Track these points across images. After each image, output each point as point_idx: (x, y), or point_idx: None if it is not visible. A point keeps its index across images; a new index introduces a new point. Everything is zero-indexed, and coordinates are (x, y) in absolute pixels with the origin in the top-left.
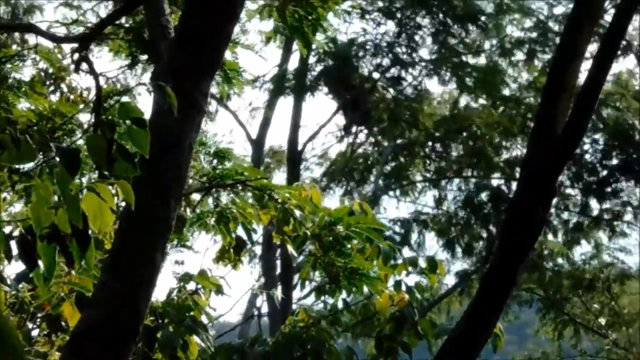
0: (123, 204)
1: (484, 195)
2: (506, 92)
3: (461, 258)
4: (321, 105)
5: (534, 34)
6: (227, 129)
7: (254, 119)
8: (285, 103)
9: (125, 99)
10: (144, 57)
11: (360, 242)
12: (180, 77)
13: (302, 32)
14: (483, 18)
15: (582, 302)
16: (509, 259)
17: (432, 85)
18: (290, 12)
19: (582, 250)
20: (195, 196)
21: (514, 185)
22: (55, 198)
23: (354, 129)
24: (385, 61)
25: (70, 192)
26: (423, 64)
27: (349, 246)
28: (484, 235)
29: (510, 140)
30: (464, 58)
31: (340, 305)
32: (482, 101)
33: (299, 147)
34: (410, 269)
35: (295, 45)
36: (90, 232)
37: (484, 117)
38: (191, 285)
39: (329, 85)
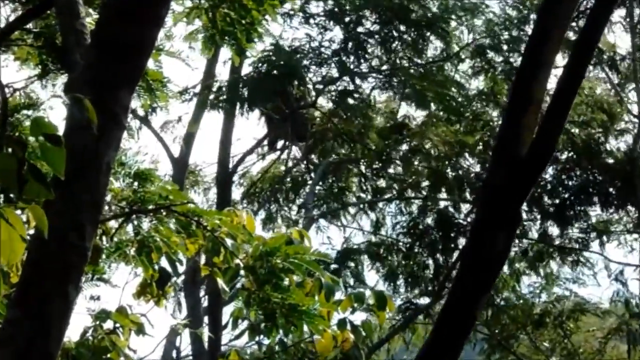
0: (32, 231)
1: (429, 220)
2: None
3: (404, 291)
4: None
5: (487, 40)
6: (151, 146)
7: (175, 138)
8: (216, 117)
9: (35, 113)
10: (56, 66)
11: (299, 275)
12: (98, 89)
13: (234, 37)
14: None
15: (531, 341)
16: (468, 293)
17: (379, 96)
18: (221, 15)
19: (530, 281)
20: (114, 223)
21: (464, 207)
22: None
23: (281, 144)
24: (332, 71)
25: None
26: (373, 74)
27: (286, 280)
28: (430, 264)
29: (461, 155)
30: (412, 69)
31: (277, 346)
32: (425, 113)
33: (230, 166)
34: (356, 305)
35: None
36: None
37: (435, 131)
38: (108, 324)
39: (260, 96)
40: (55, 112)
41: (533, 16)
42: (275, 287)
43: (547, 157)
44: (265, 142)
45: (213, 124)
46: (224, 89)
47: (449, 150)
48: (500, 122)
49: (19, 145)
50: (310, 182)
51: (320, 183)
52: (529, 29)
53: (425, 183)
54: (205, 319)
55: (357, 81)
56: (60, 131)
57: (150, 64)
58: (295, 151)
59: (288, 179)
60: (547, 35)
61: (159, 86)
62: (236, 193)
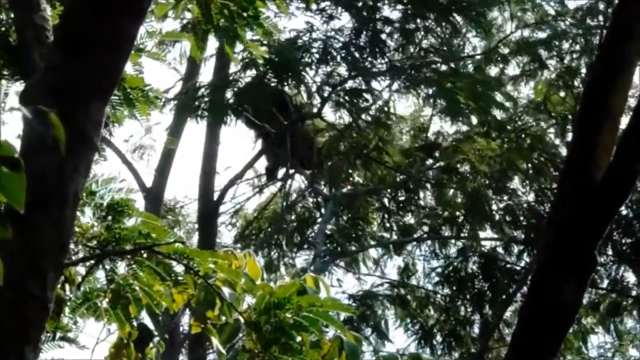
0: None
1: (473, 264)
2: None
3: (442, 353)
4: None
5: (543, 34)
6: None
7: (146, 159)
8: (198, 135)
9: None
10: (10, 69)
11: (315, 333)
12: (62, 98)
13: (234, 34)
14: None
15: None
16: (531, 357)
17: (402, 106)
18: (217, 6)
19: (599, 340)
20: (81, 268)
21: (517, 248)
22: None
23: (282, 172)
24: (339, 69)
25: None
26: (392, 73)
27: (299, 339)
28: (476, 320)
29: (508, 179)
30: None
31: None
32: (464, 127)
33: (215, 197)
34: None
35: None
36: None
37: (476, 150)
38: None
39: (251, 102)
40: (8, 129)
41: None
42: (285, 348)
43: (629, 183)
44: (261, 170)
45: (194, 145)
46: (205, 93)
47: (491, 170)
48: (555, 140)
49: None
50: (319, 219)
51: (333, 219)
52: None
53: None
54: None
55: (373, 85)
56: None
57: (129, 67)
58: (300, 181)
59: (292, 217)
60: (629, 30)
61: (138, 95)
62: (227, 236)
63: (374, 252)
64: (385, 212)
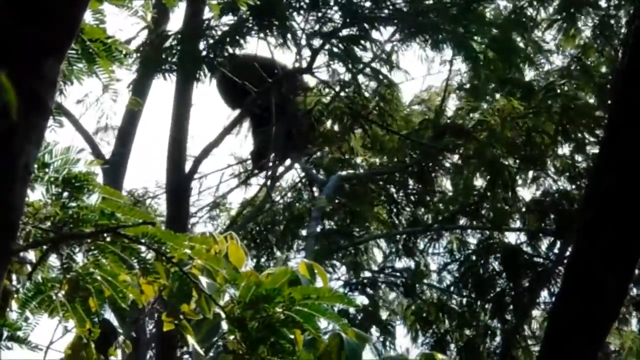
0: None
1: (494, 261)
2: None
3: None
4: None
5: None
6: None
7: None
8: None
9: None
10: None
11: (310, 331)
12: (11, 56)
13: None
14: None
15: None
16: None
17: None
18: None
19: None
20: (32, 254)
21: (545, 241)
22: None
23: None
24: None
25: None
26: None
27: (291, 337)
28: (497, 326)
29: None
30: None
31: None
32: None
33: (186, 172)
34: None
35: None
36: None
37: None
38: None
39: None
40: None
41: None
42: (275, 349)
43: None
44: (239, 152)
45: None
46: (174, 43)
47: (514, 134)
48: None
49: None
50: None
51: (329, 208)
52: None
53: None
54: None
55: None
56: None
57: (88, 16)
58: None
59: (283, 213)
60: None
61: (100, 49)
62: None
63: (378, 253)
64: (391, 202)
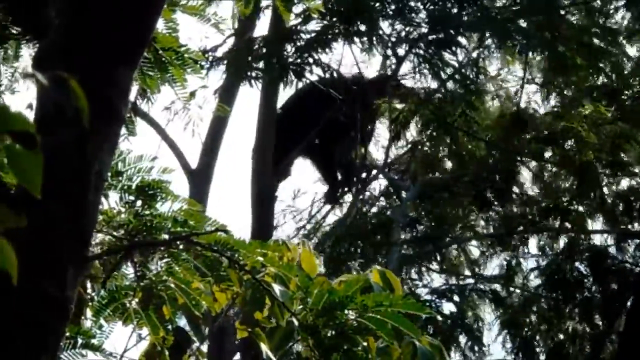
0: None
1: (581, 264)
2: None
3: None
4: None
5: None
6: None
7: (192, 134)
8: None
9: None
10: (20, 29)
11: (383, 338)
12: (83, 63)
13: None
14: None
15: None
16: None
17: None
18: None
19: None
20: (106, 262)
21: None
22: None
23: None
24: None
25: None
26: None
27: (364, 344)
28: (585, 330)
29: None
30: None
31: None
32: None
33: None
34: None
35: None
36: None
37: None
38: None
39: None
40: (18, 98)
41: None
42: (348, 356)
43: None
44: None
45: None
46: (260, 48)
47: (605, 143)
48: None
49: None
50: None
51: (413, 214)
52: None
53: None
54: None
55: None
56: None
57: (160, 25)
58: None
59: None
60: None
61: (172, 57)
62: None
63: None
64: (479, 204)
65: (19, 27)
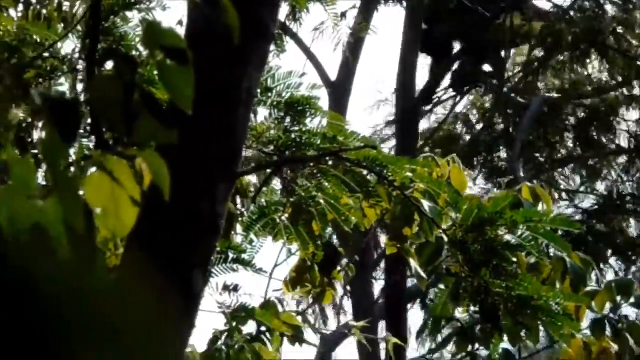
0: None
1: None
2: None
3: None
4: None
5: None
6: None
7: (336, 47)
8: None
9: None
10: None
11: (534, 254)
12: None
13: None
14: None
15: None
16: None
17: None
18: None
19: None
20: (255, 178)
21: None
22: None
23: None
24: None
25: (66, 172)
26: None
27: (514, 261)
28: None
29: None
30: None
31: None
32: None
33: (416, 95)
34: (619, 299)
35: None
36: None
37: None
38: (250, 327)
39: None
40: (168, 15)
41: None
42: (498, 272)
43: None
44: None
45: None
46: None
47: None
48: None
49: (127, 63)
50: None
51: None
52: None
53: None
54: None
55: None
56: None
57: None
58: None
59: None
60: None
61: None
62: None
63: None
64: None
65: None
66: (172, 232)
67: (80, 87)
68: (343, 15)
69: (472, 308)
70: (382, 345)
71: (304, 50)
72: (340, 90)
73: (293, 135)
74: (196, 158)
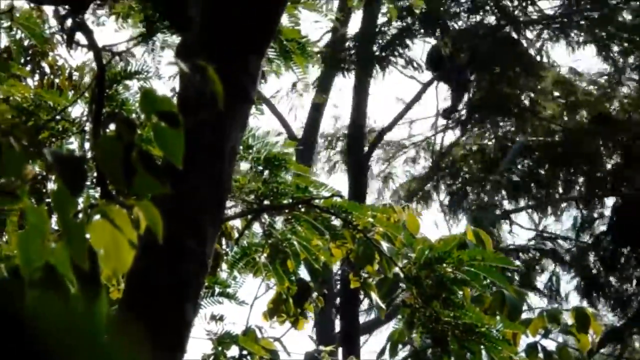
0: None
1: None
2: None
3: (607, 309)
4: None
5: None
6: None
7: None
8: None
9: (138, 84)
10: (166, 24)
11: (476, 288)
12: (220, 53)
13: None
14: None
15: None
16: None
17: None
18: None
19: None
20: (238, 222)
21: None
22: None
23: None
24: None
25: (74, 219)
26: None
27: (460, 293)
28: None
29: None
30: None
31: None
32: None
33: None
34: (549, 326)
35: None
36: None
37: None
38: (233, 351)
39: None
40: (162, 83)
41: None
42: (446, 303)
43: None
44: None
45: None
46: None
47: None
48: None
49: (127, 125)
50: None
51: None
52: None
53: None
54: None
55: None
56: None
57: (284, 19)
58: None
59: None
60: None
61: (295, 48)
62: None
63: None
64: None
65: (166, 23)
66: (167, 269)
67: (87, 145)
68: (313, 84)
69: (424, 333)
70: None
71: (272, 110)
72: (306, 145)
73: (270, 186)
74: (187, 206)
